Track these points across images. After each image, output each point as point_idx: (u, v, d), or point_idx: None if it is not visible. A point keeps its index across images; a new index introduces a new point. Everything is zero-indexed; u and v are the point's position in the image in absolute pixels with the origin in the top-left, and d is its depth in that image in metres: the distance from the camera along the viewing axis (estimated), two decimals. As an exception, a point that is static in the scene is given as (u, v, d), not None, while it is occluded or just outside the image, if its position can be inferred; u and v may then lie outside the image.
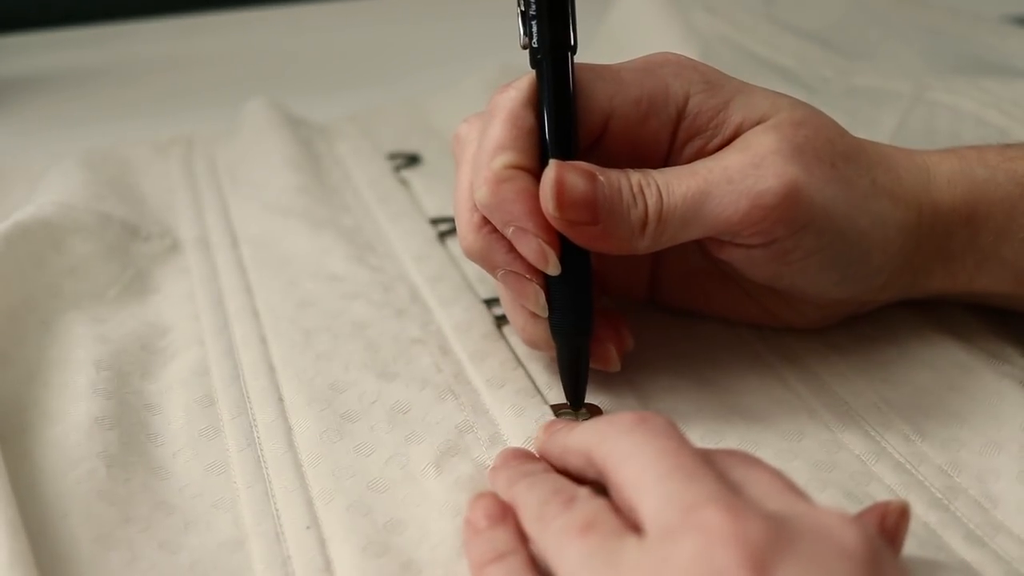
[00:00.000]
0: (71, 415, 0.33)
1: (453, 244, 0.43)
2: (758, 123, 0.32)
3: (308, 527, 0.29)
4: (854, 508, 0.29)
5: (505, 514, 0.27)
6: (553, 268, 0.31)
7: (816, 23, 0.42)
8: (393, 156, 0.50)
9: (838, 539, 0.21)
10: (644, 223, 0.30)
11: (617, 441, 0.25)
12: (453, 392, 0.34)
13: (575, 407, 0.33)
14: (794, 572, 0.20)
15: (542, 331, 0.33)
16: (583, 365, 0.33)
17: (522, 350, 0.36)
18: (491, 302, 0.39)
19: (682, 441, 0.24)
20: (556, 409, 0.33)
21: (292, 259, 0.41)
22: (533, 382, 0.35)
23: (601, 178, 0.30)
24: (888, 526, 0.26)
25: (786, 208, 0.30)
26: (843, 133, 0.33)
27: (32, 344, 0.36)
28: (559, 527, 0.24)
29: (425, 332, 0.37)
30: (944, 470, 0.31)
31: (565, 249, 0.31)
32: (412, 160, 0.50)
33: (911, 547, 0.28)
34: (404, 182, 0.48)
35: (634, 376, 0.35)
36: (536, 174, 0.31)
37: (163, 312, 0.39)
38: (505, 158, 0.31)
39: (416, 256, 0.42)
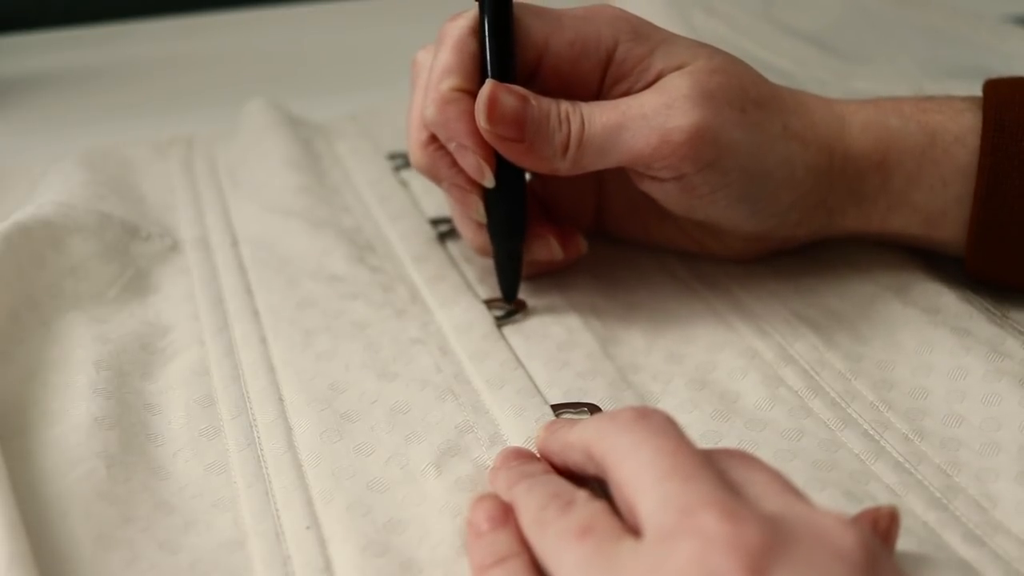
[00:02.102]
0: (71, 415, 0.33)
1: (453, 244, 0.43)
2: (677, 69, 0.35)
3: (308, 527, 0.29)
4: (853, 508, 0.29)
5: (507, 517, 0.27)
6: (488, 181, 0.36)
7: (815, 24, 0.42)
8: (393, 156, 0.50)
9: (835, 542, 0.21)
10: (566, 146, 0.34)
11: (617, 439, 0.25)
12: (453, 392, 0.34)
13: (508, 300, 0.38)
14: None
15: (484, 239, 0.38)
16: (515, 264, 0.38)
17: (522, 350, 0.36)
18: (491, 302, 0.39)
19: (681, 439, 0.24)
20: (556, 409, 0.33)
21: (292, 259, 0.41)
22: (533, 382, 0.35)
23: (533, 102, 0.34)
24: (880, 530, 0.26)
25: (692, 146, 0.34)
26: (759, 82, 0.36)
27: (32, 344, 0.36)
28: (557, 531, 0.24)
29: (425, 332, 0.37)
30: (943, 469, 0.31)
31: (500, 165, 0.35)
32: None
33: (910, 546, 0.28)
34: (404, 182, 0.48)
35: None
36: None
37: (163, 312, 0.39)
38: (450, 81, 0.35)
39: (416, 256, 0.42)
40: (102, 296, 0.39)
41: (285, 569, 0.28)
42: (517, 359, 0.36)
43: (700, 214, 0.37)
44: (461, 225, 0.40)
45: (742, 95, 0.35)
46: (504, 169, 0.35)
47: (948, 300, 0.38)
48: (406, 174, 0.49)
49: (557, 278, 0.41)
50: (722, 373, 0.35)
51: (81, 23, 0.73)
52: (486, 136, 0.34)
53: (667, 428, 0.25)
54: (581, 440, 0.27)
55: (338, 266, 0.41)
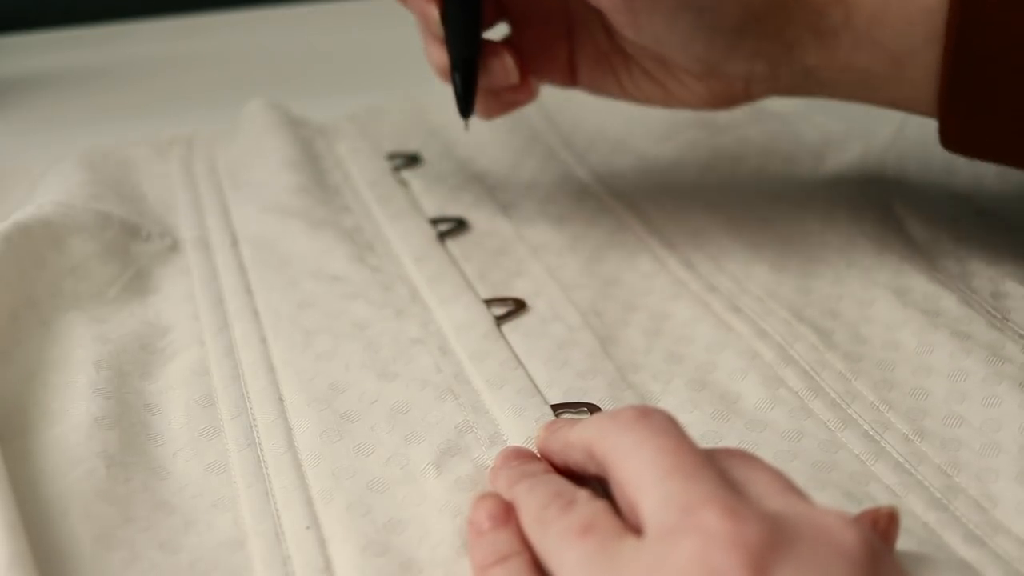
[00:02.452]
0: (71, 415, 0.33)
1: (453, 244, 0.43)
2: None
3: (308, 527, 0.29)
4: (853, 509, 0.29)
5: (508, 515, 0.27)
6: None
7: None
8: (393, 156, 0.50)
9: (836, 540, 0.21)
10: None
11: (619, 437, 0.25)
12: (453, 392, 0.34)
13: (464, 115, 0.41)
14: (792, 573, 0.20)
15: (445, 58, 0.40)
16: (470, 77, 0.40)
17: (522, 348, 0.36)
18: (491, 302, 0.39)
19: (682, 438, 0.24)
20: (556, 409, 0.33)
21: (292, 259, 0.41)
22: (533, 382, 0.35)
23: None
24: (879, 530, 0.26)
25: None
26: None
27: (32, 344, 0.36)
28: (558, 530, 0.24)
29: (425, 332, 0.37)
30: (943, 470, 0.31)
31: None
32: (412, 160, 0.50)
33: (910, 546, 0.28)
34: (404, 182, 0.48)
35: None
36: None
37: (163, 312, 0.39)
38: None
39: (416, 256, 0.42)
40: (102, 296, 0.39)
41: (285, 569, 0.28)
42: (517, 359, 0.36)
43: (647, 32, 0.37)
44: (426, 45, 0.41)
45: None
46: None
47: (948, 303, 0.38)
48: (406, 174, 0.49)
49: (556, 276, 0.41)
50: (722, 374, 0.35)
51: (81, 23, 0.73)
52: None
53: (668, 427, 0.25)
54: (582, 439, 0.27)
55: (338, 266, 0.41)
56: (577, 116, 0.53)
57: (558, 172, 0.49)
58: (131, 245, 0.42)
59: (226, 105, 0.55)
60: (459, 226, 0.44)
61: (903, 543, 0.28)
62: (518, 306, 0.39)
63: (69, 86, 0.64)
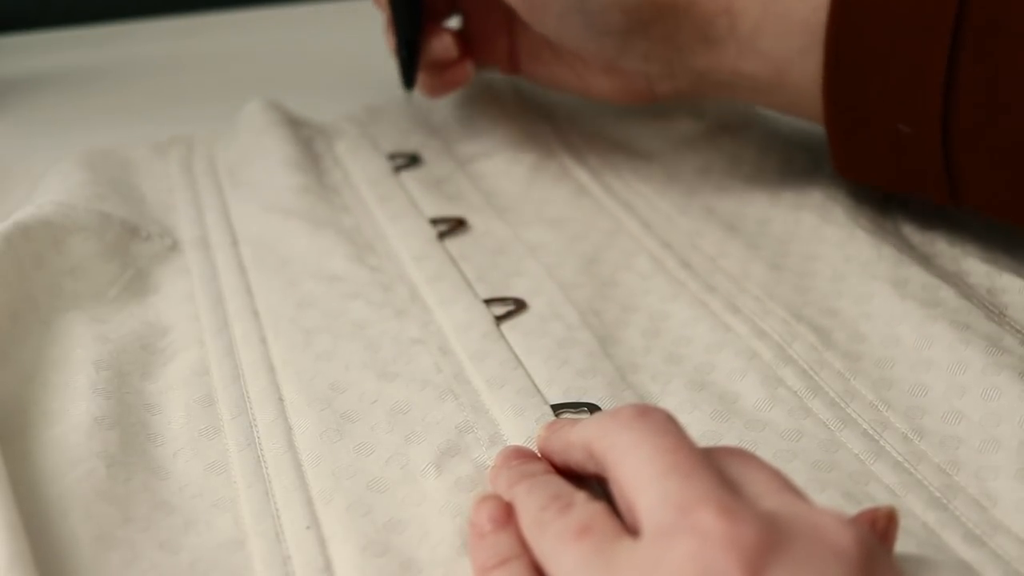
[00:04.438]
0: (71, 415, 0.33)
1: (453, 244, 0.43)
2: None
3: (308, 527, 0.29)
4: (853, 509, 0.29)
5: (509, 517, 0.27)
6: None
7: None
8: (393, 156, 0.50)
9: (832, 540, 0.21)
10: None
11: (617, 436, 0.25)
12: (453, 392, 0.34)
13: (407, 86, 0.49)
14: (788, 574, 0.20)
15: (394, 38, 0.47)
16: (413, 54, 0.48)
17: (521, 347, 0.36)
18: (491, 302, 0.39)
19: (681, 437, 0.25)
20: (556, 409, 0.33)
21: (292, 259, 0.41)
22: (533, 382, 0.35)
23: None
24: (878, 530, 0.26)
25: None
26: None
27: (32, 344, 0.36)
28: (556, 532, 0.24)
29: (425, 332, 0.37)
30: (943, 468, 0.31)
31: None
32: (412, 160, 0.50)
33: (910, 547, 0.28)
34: (404, 182, 0.48)
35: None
36: None
37: (163, 312, 0.39)
38: None
39: (416, 256, 0.42)
40: (102, 296, 0.39)
41: (285, 569, 0.28)
42: (517, 358, 0.36)
43: (547, 22, 0.42)
44: (385, 30, 0.49)
45: None
46: None
47: (947, 294, 0.38)
48: (406, 174, 0.49)
49: (554, 276, 0.41)
50: (721, 374, 0.35)
51: (81, 23, 0.73)
52: None
53: (667, 426, 0.25)
54: (582, 438, 0.27)
55: (338, 266, 0.41)
56: (575, 116, 0.53)
57: (556, 172, 0.49)
58: (131, 245, 0.42)
59: (226, 105, 0.55)
60: (458, 226, 0.44)
61: (902, 544, 0.28)
62: (518, 306, 0.39)
63: (69, 86, 0.64)
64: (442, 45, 0.47)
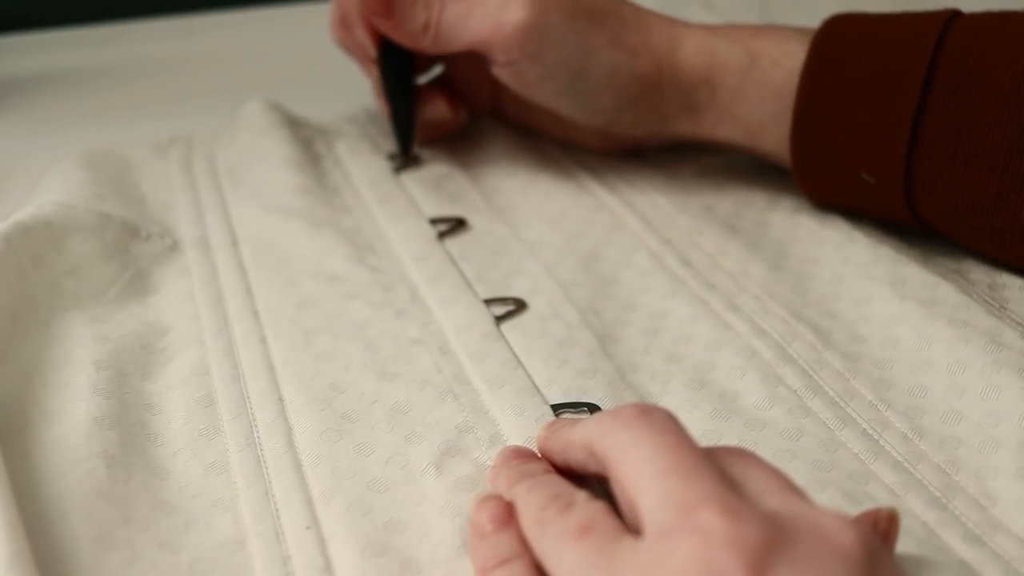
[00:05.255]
0: (71, 415, 0.33)
1: (453, 244, 0.43)
2: None
3: (308, 527, 0.29)
4: (853, 509, 0.29)
5: (509, 517, 0.27)
6: (373, 52, 0.48)
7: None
8: (393, 156, 0.50)
9: (835, 540, 0.21)
10: (427, 26, 0.44)
11: (618, 435, 0.25)
12: (453, 392, 0.34)
13: (404, 152, 0.49)
14: (790, 574, 0.20)
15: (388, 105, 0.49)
16: (406, 121, 0.49)
17: (521, 347, 0.36)
18: (491, 302, 0.39)
19: (682, 436, 0.24)
20: (556, 409, 0.33)
21: (292, 259, 0.41)
22: (533, 382, 0.35)
23: None
24: (879, 531, 0.26)
25: (518, 36, 0.42)
26: None
27: (32, 344, 0.36)
28: (557, 531, 0.24)
29: (425, 332, 0.37)
30: (942, 468, 0.31)
31: (386, 43, 0.47)
32: (411, 160, 0.50)
33: (910, 547, 0.28)
34: (404, 182, 0.48)
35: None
36: None
37: (163, 312, 0.39)
38: None
39: (416, 256, 0.42)
40: (102, 296, 0.39)
41: (285, 569, 0.28)
42: (517, 358, 0.36)
43: (540, 99, 0.45)
44: (374, 91, 0.51)
45: (574, 5, 0.43)
46: (389, 46, 0.47)
47: (946, 292, 0.38)
48: (406, 174, 0.49)
49: (554, 275, 0.41)
50: (721, 373, 0.35)
51: (81, 23, 0.73)
52: (360, 11, 0.46)
53: (668, 425, 0.25)
54: (582, 438, 0.27)
55: (338, 266, 0.41)
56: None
57: (555, 171, 0.49)
58: (131, 245, 0.42)
59: (226, 105, 0.55)
60: (458, 226, 0.44)
61: (903, 544, 0.28)
62: (518, 306, 0.39)
63: (69, 86, 0.64)
64: (436, 111, 0.49)
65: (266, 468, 0.31)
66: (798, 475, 0.31)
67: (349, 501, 0.30)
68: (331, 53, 0.54)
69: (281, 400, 0.34)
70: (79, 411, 0.33)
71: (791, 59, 0.41)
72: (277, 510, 0.30)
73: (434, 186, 0.47)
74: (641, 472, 0.24)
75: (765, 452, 0.32)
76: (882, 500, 0.30)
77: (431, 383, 0.35)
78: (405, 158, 0.49)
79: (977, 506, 0.30)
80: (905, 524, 0.29)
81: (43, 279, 0.38)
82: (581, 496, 0.25)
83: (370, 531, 0.29)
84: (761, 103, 0.42)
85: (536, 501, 0.26)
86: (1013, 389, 0.33)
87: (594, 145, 0.49)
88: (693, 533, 0.21)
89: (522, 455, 0.30)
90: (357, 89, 0.59)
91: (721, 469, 0.24)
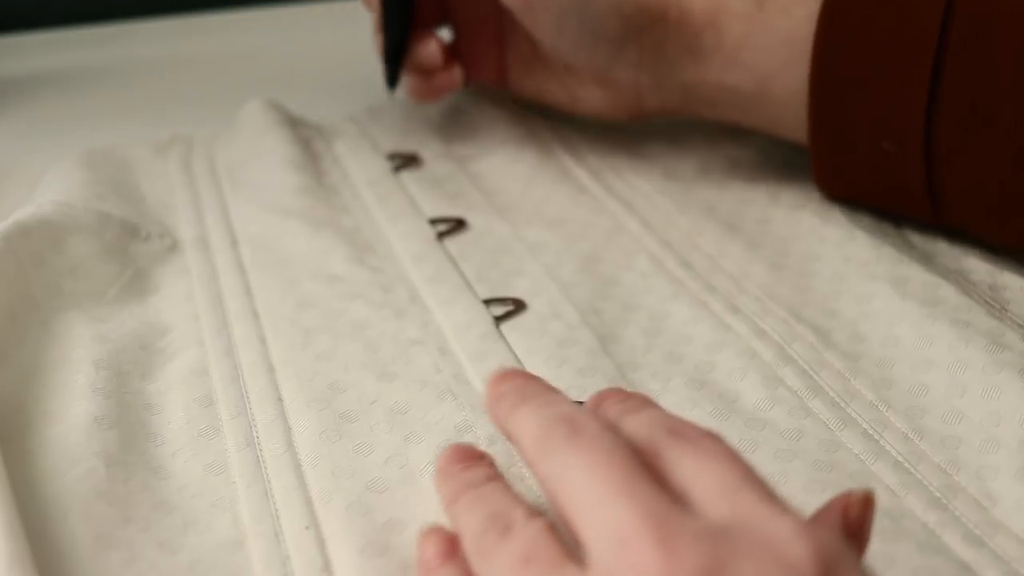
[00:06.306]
0: (70, 415, 0.33)
1: (452, 244, 0.43)
2: None
3: (307, 527, 0.29)
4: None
5: (454, 549, 0.26)
6: None
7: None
8: (393, 156, 0.50)
9: (784, 552, 0.20)
10: None
11: (551, 463, 0.24)
12: (452, 392, 0.34)
13: (390, 85, 0.50)
14: None
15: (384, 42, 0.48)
16: (398, 55, 0.49)
17: (521, 347, 0.36)
18: (491, 302, 0.39)
19: (615, 447, 0.23)
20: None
21: (291, 259, 0.41)
22: (532, 382, 0.35)
23: None
24: (852, 518, 0.24)
25: None
26: None
27: (32, 344, 0.36)
28: (498, 563, 0.24)
29: (424, 332, 0.37)
30: (943, 468, 0.31)
31: None
32: (411, 160, 0.50)
33: (910, 547, 0.28)
34: (403, 182, 0.48)
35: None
36: None
37: (163, 312, 0.39)
38: None
39: (415, 256, 0.42)
40: (102, 296, 0.39)
41: (284, 569, 0.28)
42: (516, 359, 0.36)
43: (543, 22, 0.44)
44: (374, 31, 0.50)
45: None
46: None
47: (947, 292, 0.38)
48: (405, 174, 0.49)
49: (554, 275, 0.41)
50: (721, 373, 0.35)
51: (81, 23, 0.73)
52: None
53: (599, 440, 0.24)
54: (520, 445, 0.26)
55: (338, 266, 0.41)
56: (575, 116, 0.53)
57: (556, 171, 0.49)
58: (131, 245, 0.42)
59: (226, 105, 0.55)
60: (458, 226, 0.44)
61: (903, 544, 0.28)
62: (517, 306, 0.39)
63: (69, 86, 0.64)
64: (428, 51, 0.48)
65: (265, 468, 0.31)
66: (798, 475, 0.31)
67: (348, 501, 0.30)
68: (331, 53, 0.54)
69: (280, 400, 0.34)
70: (78, 411, 0.33)
71: (799, 6, 0.40)
72: (276, 510, 0.30)
73: (434, 186, 0.47)
74: (576, 503, 0.23)
75: (766, 452, 0.32)
76: (882, 501, 0.30)
77: (430, 383, 0.35)
78: (391, 89, 0.50)
79: (978, 506, 0.30)
80: (905, 525, 0.29)
81: (43, 279, 0.38)
82: (519, 516, 0.24)
83: (369, 531, 0.29)
84: (769, 50, 0.41)
85: (475, 522, 0.25)
86: (1014, 389, 0.33)
87: (600, 108, 0.48)
88: (630, 572, 0.20)
89: (465, 457, 0.29)
90: (357, 89, 0.59)
91: (664, 476, 0.23)
